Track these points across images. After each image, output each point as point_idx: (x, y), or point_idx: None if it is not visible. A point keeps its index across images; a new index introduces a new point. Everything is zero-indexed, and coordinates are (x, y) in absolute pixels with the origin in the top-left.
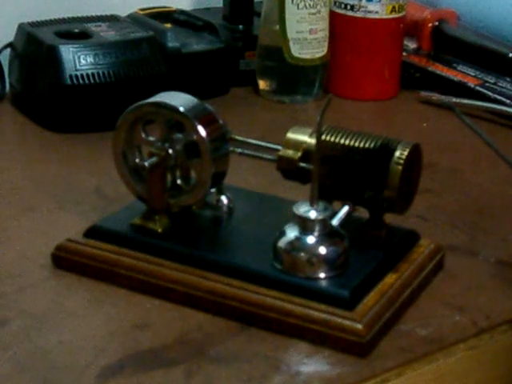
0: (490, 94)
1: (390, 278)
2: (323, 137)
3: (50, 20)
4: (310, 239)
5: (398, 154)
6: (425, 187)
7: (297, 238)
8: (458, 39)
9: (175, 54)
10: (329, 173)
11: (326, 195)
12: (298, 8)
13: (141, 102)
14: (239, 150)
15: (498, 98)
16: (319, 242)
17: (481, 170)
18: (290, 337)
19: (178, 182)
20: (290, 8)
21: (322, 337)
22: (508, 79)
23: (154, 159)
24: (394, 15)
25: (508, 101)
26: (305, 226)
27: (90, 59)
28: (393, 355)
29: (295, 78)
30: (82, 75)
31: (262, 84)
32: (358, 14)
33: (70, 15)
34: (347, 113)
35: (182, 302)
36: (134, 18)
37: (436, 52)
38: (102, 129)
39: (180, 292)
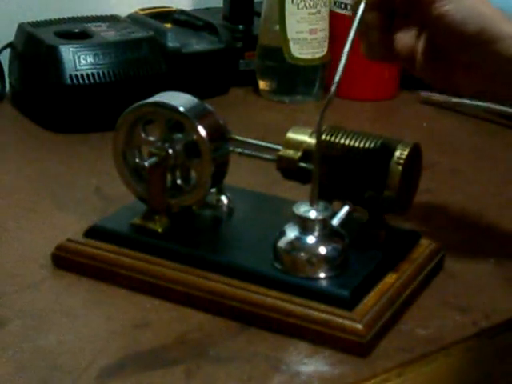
0: None
1: (390, 278)
2: (323, 137)
3: (50, 20)
4: (310, 239)
5: (398, 153)
6: (425, 187)
7: (297, 238)
8: None
9: (175, 54)
10: (329, 173)
11: (325, 195)
12: (298, 8)
13: (141, 102)
14: (239, 150)
15: None
16: (319, 242)
17: (481, 170)
18: (290, 337)
19: (178, 182)
20: (290, 8)
21: (322, 337)
22: None
23: (153, 159)
24: None
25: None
26: (305, 226)
27: (90, 59)
28: (393, 355)
29: (295, 78)
30: (81, 75)
31: (262, 84)
32: None
33: (70, 15)
34: (347, 113)
35: (182, 302)
36: (133, 18)
37: None
38: (102, 129)
39: (180, 292)
